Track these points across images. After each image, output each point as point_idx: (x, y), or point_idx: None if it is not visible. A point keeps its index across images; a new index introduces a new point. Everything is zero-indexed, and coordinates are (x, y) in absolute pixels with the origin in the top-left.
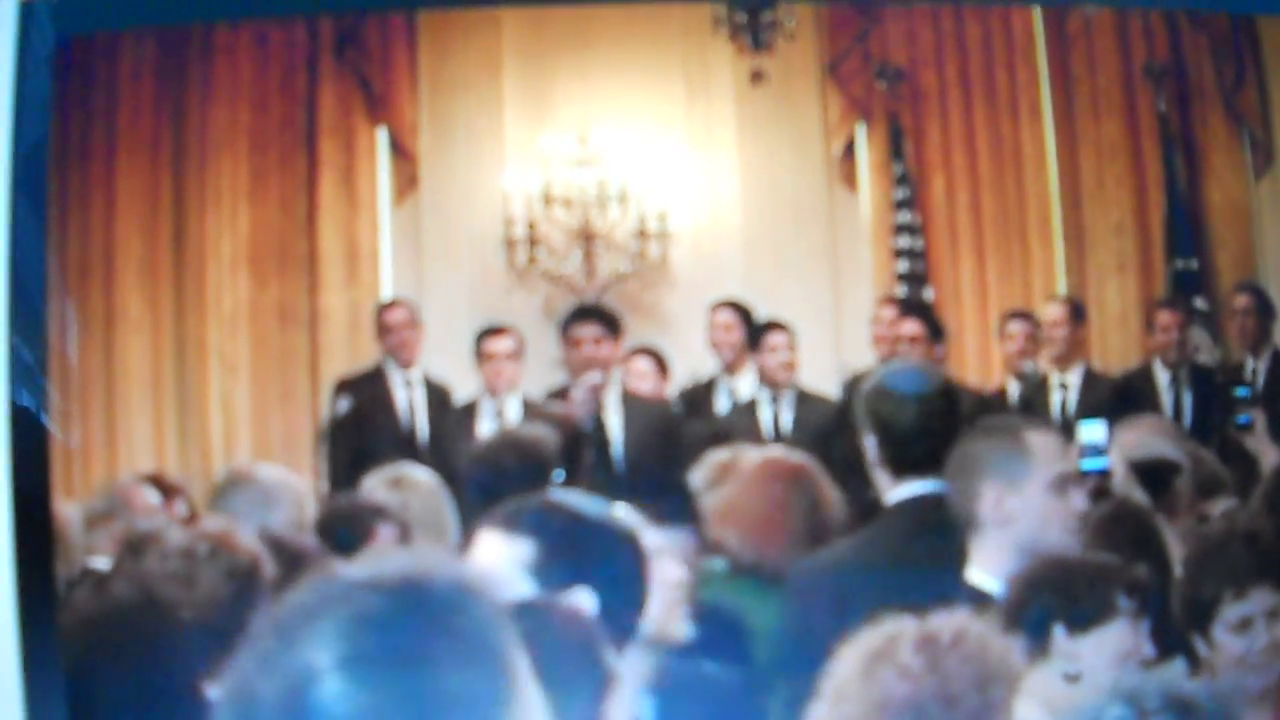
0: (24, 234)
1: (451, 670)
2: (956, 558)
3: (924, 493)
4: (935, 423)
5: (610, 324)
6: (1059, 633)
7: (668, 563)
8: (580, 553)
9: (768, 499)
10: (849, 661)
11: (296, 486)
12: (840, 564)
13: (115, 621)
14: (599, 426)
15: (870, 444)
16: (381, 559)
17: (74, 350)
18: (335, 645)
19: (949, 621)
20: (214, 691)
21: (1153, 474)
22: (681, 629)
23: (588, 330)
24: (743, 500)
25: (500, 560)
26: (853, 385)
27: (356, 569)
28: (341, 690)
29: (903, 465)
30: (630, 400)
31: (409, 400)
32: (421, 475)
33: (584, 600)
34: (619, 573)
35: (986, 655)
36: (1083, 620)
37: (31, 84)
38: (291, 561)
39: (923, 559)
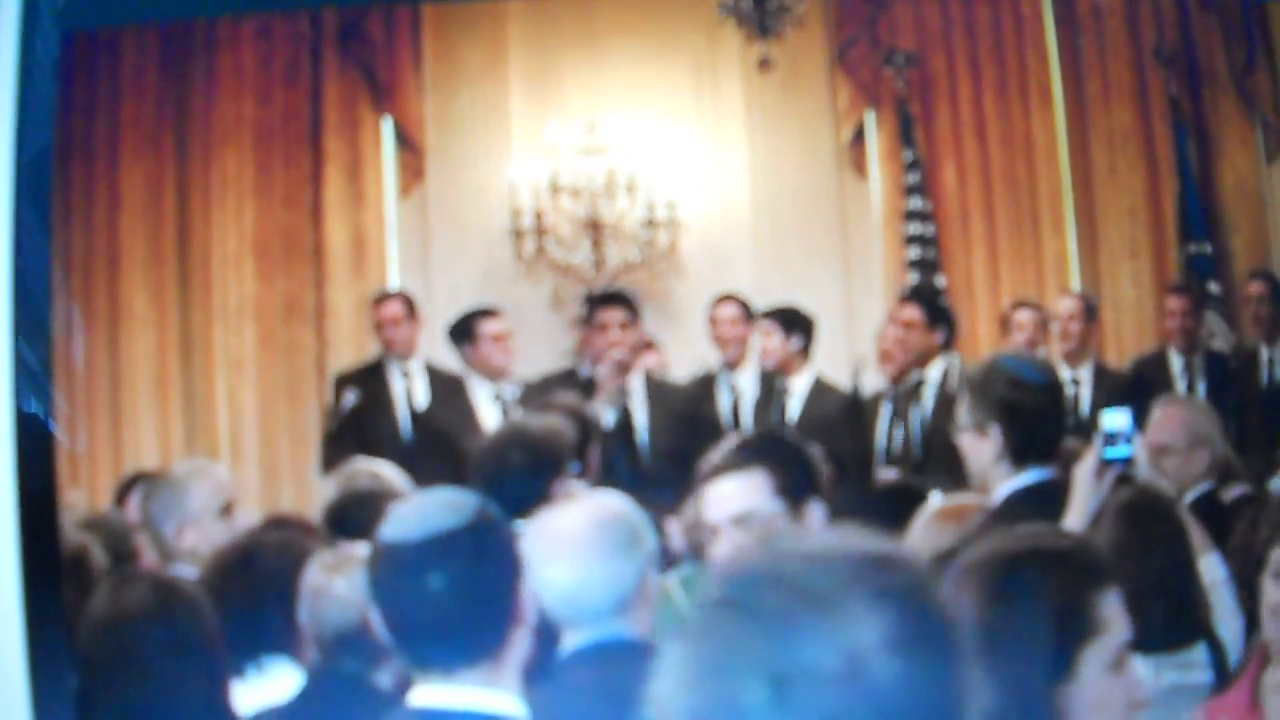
0: (29, 238)
1: (958, 659)
2: None
3: (1041, 480)
4: (1061, 410)
5: (633, 308)
6: None
7: None
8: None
9: None
10: None
11: (213, 473)
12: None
13: (140, 625)
14: (625, 415)
15: (995, 433)
16: (826, 535)
17: (80, 353)
18: (887, 623)
19: None
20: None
21: None
22: None
23: (614, 315)
24: None
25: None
26: (859, 373)
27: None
28: (896, 669)
29: (1027, 454)
30: (654, 385)
31: (407, 391)
32: (388, 471)
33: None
34: None
35: None
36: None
37: (37, 89)
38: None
39: None
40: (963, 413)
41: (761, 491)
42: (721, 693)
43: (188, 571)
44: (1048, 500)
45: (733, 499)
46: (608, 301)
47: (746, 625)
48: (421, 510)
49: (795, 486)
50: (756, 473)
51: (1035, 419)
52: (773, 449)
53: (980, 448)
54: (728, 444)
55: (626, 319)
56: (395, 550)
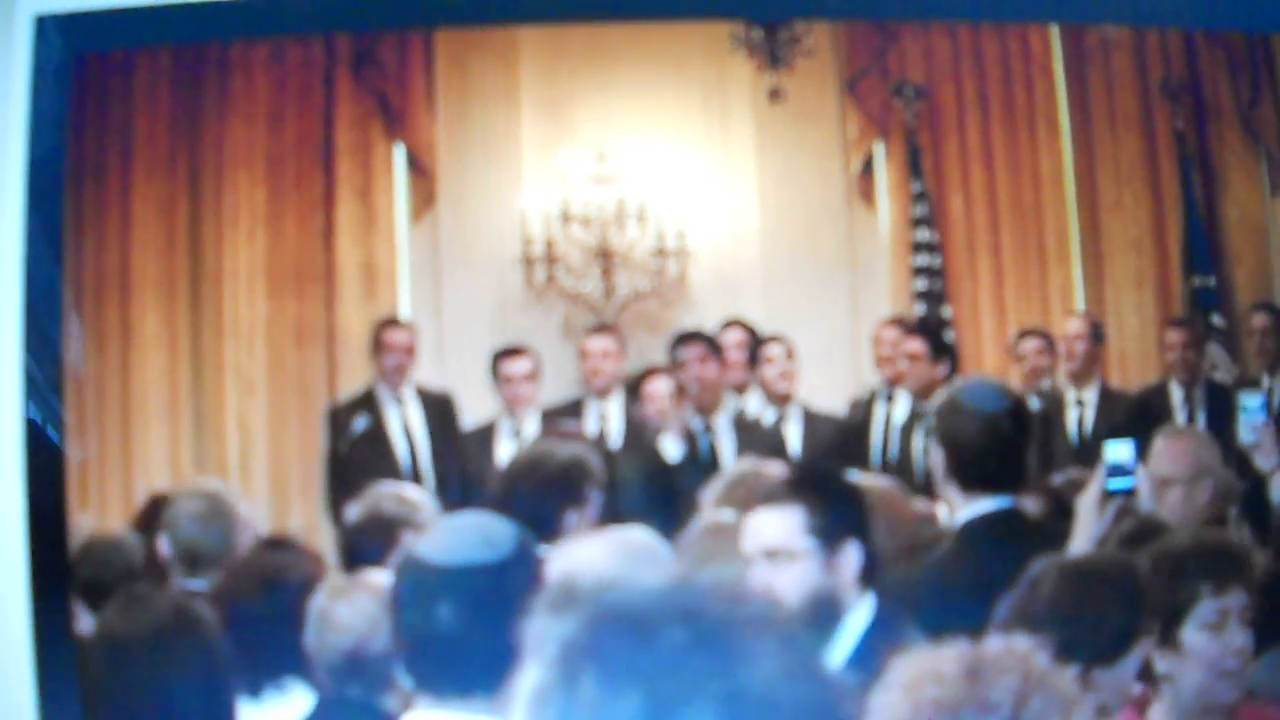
0: (37, 253)
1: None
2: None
3: (995, 509)
4: (1006, 440)
5: (714, 346)
6: (1096, 671)
7: None
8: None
9: None
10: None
11: (232, 499)
12: (919, 590)
13: (147, 643)
14: (711, 450)
15: (937, 458)
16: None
17: (83, 368)
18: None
19: (1000, 642)
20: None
21: None
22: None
23: (693, 350)
24: None
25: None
26: (858, 407)
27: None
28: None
29: (971, 481)
30: (744, 425)
31: (403, 419)
32: (415, 493)
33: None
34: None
35: (1029, 669)
36: (1118, 652)
37: (43, 98)
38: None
39: (1001, 579)
40: (929, 433)
41: (794, 528)
42: None
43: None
44: (1007, 529)
45: (766, 532)
46: (683, 339)
47: (687, 659)
48: (458, 536)
49: (832, 526)
50: (793, 509)
51: (975, 447)
52: (818, 485)
53: (935, 468)
54: (781, 473)
55: (704, 353)
56: (420, 569)
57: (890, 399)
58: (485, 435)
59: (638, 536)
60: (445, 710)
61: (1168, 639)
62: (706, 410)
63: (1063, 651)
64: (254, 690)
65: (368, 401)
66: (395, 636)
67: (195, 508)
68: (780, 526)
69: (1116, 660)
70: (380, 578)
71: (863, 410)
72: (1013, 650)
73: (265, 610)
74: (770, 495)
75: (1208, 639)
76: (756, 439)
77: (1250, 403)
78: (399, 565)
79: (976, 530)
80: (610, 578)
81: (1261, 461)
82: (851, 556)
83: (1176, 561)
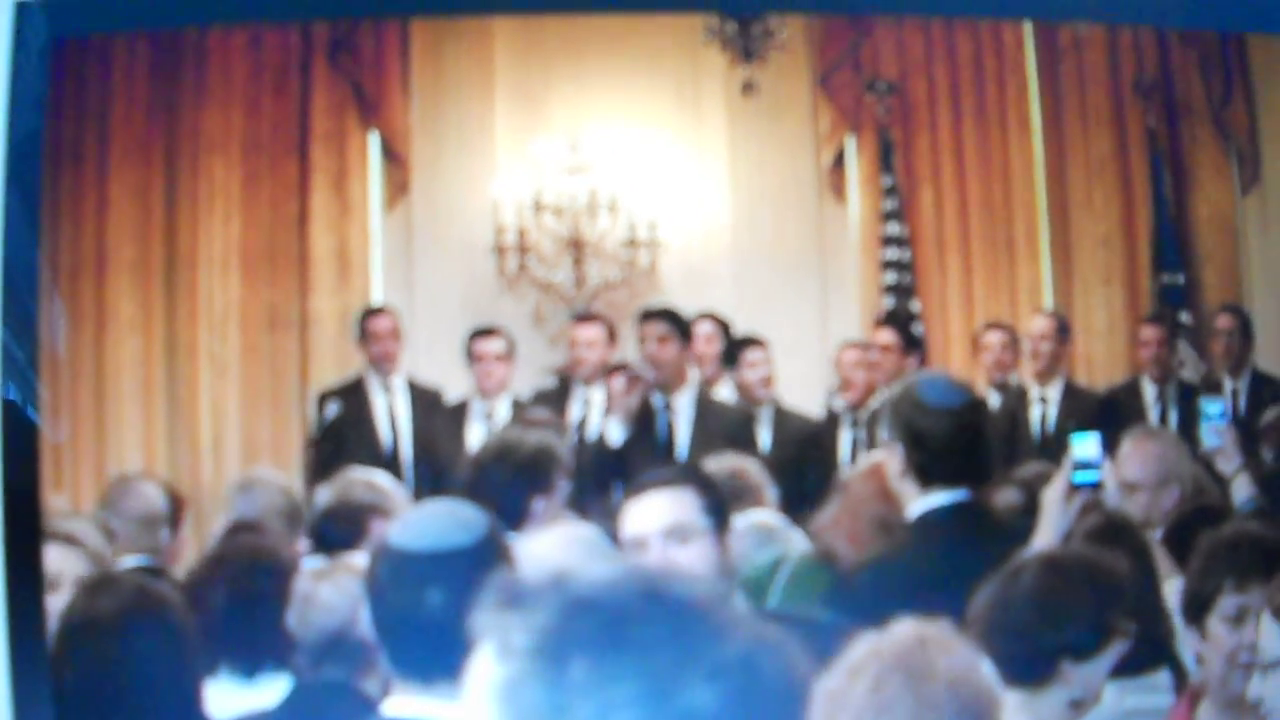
0: (16, 232)
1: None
2: (995, 567)
3: (953, 502)
4: (969, 434)
5: (679, 325)
6: (1066, 663)
7: None
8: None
9: (875, 507)
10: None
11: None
12: (891, 576)
13: (117, 623)
14: (668, 430)
15: (898, 452)
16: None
17: (62, 348)
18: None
19: (906, 629)
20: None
21: None
22: None
23: (652, 329)
24: (850, 508)
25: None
26: (833, 413)
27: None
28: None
29: (932, 476)
30: (707, 405)
31: (389, 408)
32: (385, 480)
33: None
34: None
35: (961, 650)
36: (1089, 648)
37: (25, 80)
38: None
39: (956, 572)
40: (881, 429)
41: (692, 506)
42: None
43: None
44: (964, 521)
45: (664, 511)
46: (648, 316)
47: (672, 636)
48: (432, 522)
49: (719, 508)
50: (687, 489)
51: (937, 442)
52: (697, 474)
53: (890, 464)
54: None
55: (666, 333)
56: (399, 557)
57: (855, 423)
58: (456, 415)
59: (583, 532)
60: (432, 697)
61: (1200, 624)
62: (668, 389)
63: (1035, 642)
64: (249, 672)
65: (354, 389)
66: (375, 624)
67: (273, 497)
68: (679, 505)
69: (1089, 656)
70: (361, 560)
71: (829, 427)
72: (943, 641)
73: (256, 592)
74: (660, 480)
75: (1226, 631)
76: (720, 421)
77: (1211, 409)
78: (374, 554)
79: (930, 523)
80: (561, 569)
81: (1223, 466)
82: (733, 542)
83: (1214, 549)
